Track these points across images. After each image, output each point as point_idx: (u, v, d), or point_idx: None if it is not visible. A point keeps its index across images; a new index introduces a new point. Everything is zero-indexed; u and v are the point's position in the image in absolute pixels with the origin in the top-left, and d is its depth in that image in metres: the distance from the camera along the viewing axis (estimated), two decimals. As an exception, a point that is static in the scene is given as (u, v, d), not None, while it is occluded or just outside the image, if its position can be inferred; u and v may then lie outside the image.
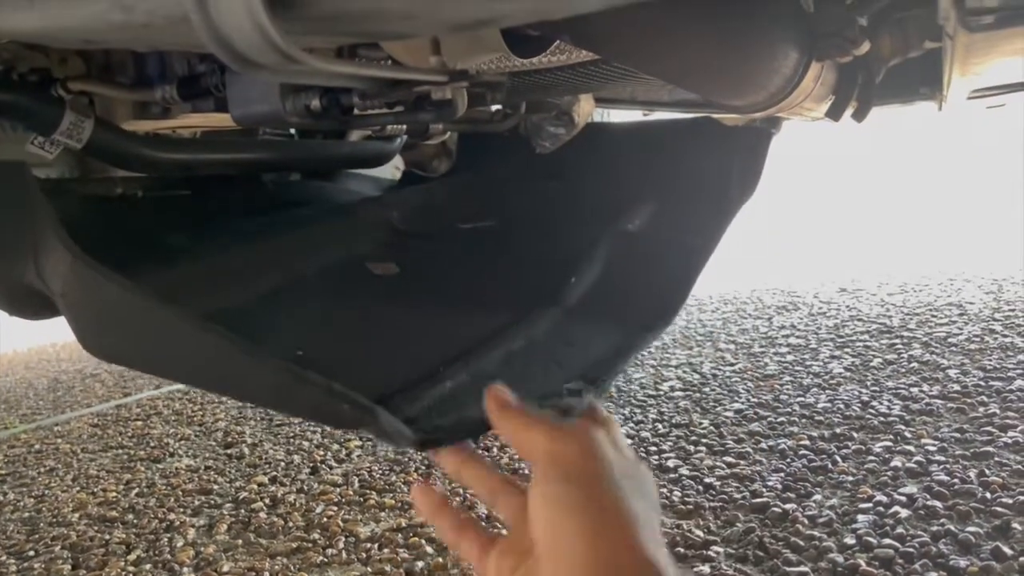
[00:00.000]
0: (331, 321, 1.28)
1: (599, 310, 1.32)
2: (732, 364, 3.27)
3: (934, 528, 1.75)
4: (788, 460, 2.21)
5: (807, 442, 2.32)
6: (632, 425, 2.65)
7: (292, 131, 2.28)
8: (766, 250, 6.37)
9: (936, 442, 2.22)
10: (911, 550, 1.67)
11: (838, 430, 2.38)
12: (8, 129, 1.69)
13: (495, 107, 2.13)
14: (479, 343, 1.11)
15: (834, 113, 1.24)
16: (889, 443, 2.24)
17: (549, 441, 0.61)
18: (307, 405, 0.77)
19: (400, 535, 2.06)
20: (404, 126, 1.76)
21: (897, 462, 2.10)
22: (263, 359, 0.77)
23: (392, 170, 2.44)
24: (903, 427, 2.36)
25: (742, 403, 2.75)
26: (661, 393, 2.97)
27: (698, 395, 2.91)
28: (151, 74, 1.58)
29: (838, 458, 2.18)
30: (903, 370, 2.92)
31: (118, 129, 1.47)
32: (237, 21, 0.48)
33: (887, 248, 5.96)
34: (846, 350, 3.28)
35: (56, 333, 5.96)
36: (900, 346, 3.24)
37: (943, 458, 2.11)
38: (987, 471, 1.99)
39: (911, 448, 2.20)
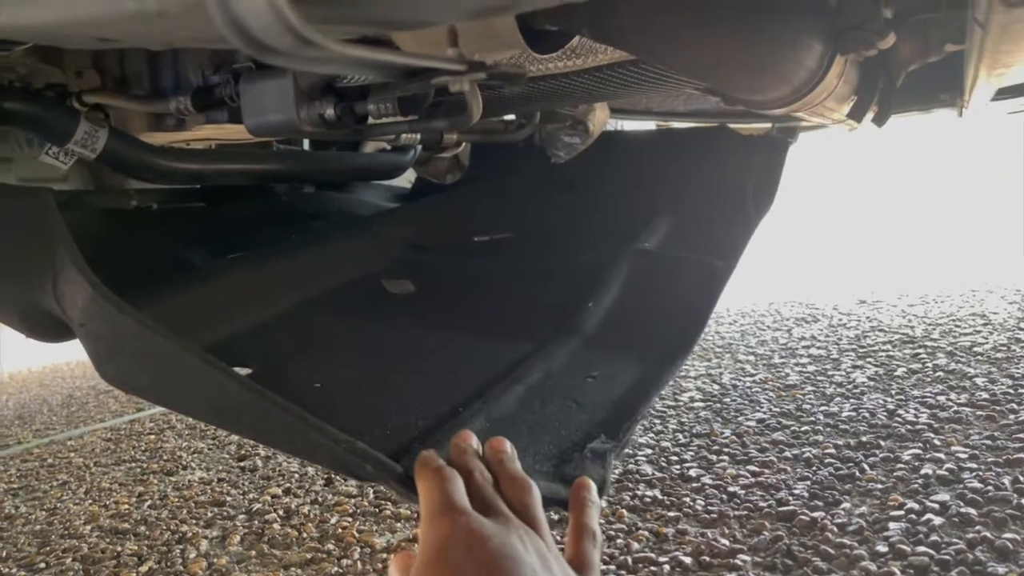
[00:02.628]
0: (348, 349, 1.26)
1: (618, 338, 1.29)
2: (752, 375, 3.23)
3: (969, 535, 1.70)
4: (814, 469, 2.17)
5: (832, 451, 2.27)
6: (652, 435, 2.61)
7: (305, 142, 2.29)
8: (784, 261, 6.32)
9: (967, 449, 2.17)
10: (947, 557, 1.62)
11: (864, 439, 2.34)
12: (24, 145, 1.70)
13: (509, 117, 2.12)
14: (497, 377, 1.08)
15: (856, 113, 1.21)
16: (918, 451, 2.20)
17: (444, 528, 0.59)
18: (328, 458, 0.75)
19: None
20: (418, 135, 1.75)
21: (927, 470, 2.06)
22: (283, 409, 0.76)
23: (403, 179, 2.44)
24: (932, 435, 2.31)
25: (764, 413, 2.71)
26: (681, 404, 2.94)
27: (719, 405, 2.87)
28: (165, 85, 1.58)
29: (866, 466, 2.14)
30: (928, 379, 2.86)
31: (132, 139, 1.47)
32: (253, 3, 0.46)
33: (906, 259, 5.90)
34: (868, 360, 3.23)
35: (71, 353, 5.99)
36: (924, 356, 3.19)
37: (975, 465, 2.06)
38: (1021, 478, 1.94)
39: (941, 456, 2.15)
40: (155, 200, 1.68)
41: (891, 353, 3.29)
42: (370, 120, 1.42)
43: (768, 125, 2.28)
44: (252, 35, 0.49)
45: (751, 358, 3.52)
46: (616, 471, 2.33)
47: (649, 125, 2.65)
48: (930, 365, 3.03)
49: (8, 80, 1.38)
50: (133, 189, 1.69)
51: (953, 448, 2.19)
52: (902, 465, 2.12)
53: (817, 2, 0.83)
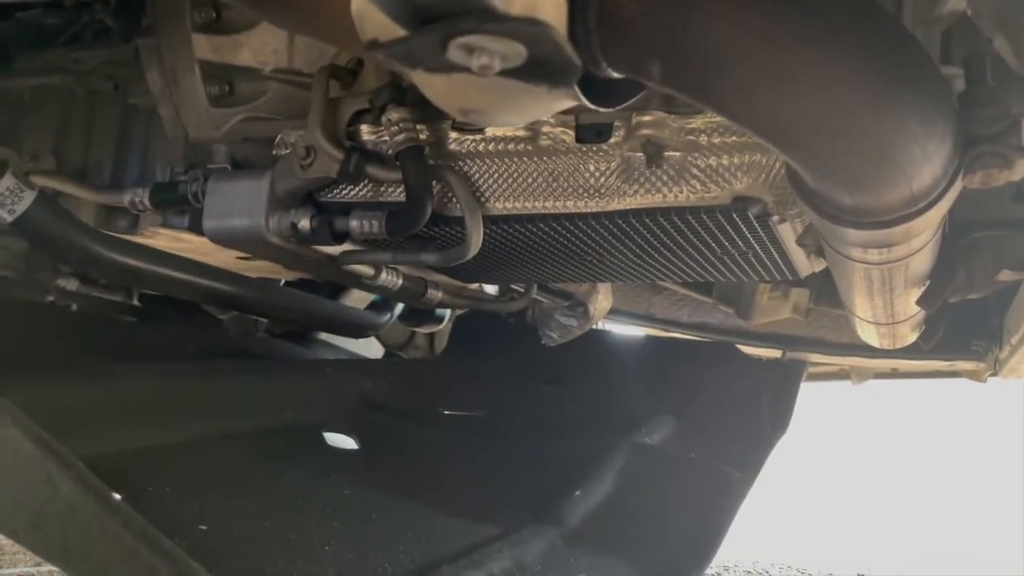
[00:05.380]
0: (260, 496, 0.97)
1: (609, 538, 1.03)
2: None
3: None
4: None
5: None
6: None
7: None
8: (777, 513, 5.87)
9: None
10: None
11: None
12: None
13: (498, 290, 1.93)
14: (450, 556, 0.82)
15: (927, 300, 1.01)
16: None
17: None
18: None
19: None
20: (399, 279, 1.52)
21: None
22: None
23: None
24: None
25: None
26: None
27: None
28: (127, 179, 1.40)
29: None
30: None
31: (61, 209, 1.24)
32: None
33: (914, 528, 5.46)
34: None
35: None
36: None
37: None
38: None
39: None
40: (75, 300, 1.42)
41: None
42: (351, 238, 1.23)
43: (778, 352, 2.10)
44: None
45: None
46: None
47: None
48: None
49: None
50: (53, 284, 1.43)
51: None
52: None
53: (948, 91, 0.65)
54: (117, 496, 0.79)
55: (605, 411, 1.64)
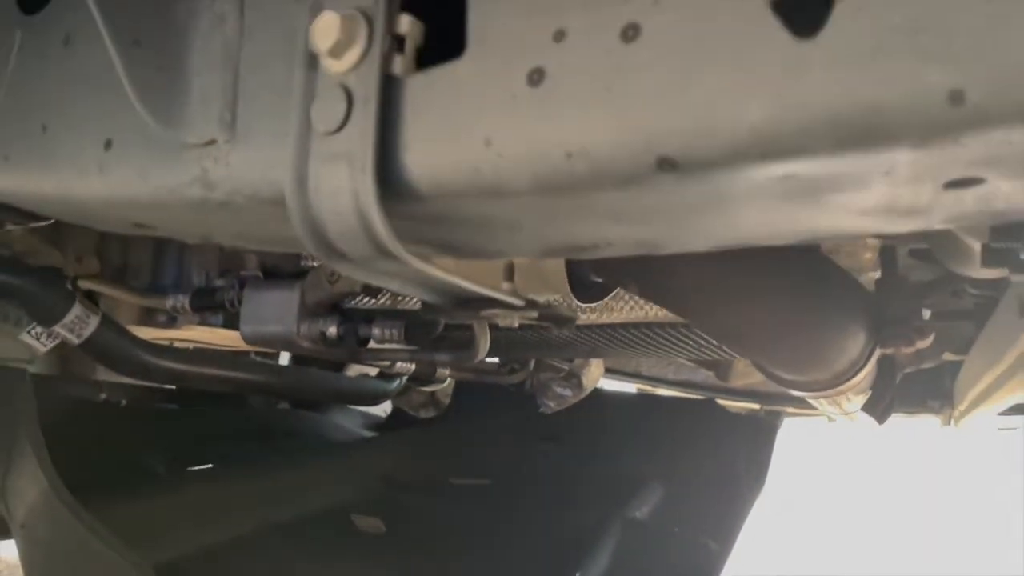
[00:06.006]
0: None
1: None
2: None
3: None
4: None
5: None
6: None
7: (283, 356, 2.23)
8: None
9: None
10: None
11: None
12: (6, 318, 1.62)
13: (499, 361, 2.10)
14: None
15: (872, 408, 1.19)
16: None
17: None
18: None
19: None
20: (412, 366, 1.70)
21: None
22: None
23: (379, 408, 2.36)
24: None
25: None
26: None
27: None
28: (166, 281, 1.55)
29: None
30: None
31: (121, 329, 1.40)
32: (338, 206, 0.43)
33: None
34: None
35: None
36: None
37: None
38: None
39: None
40: (125, 395, 1.58)
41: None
42: (372, 343, 1.39)
43: (756, 406, 2.27)
44: (326, 239, 0.45)
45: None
46: None
47: (631, 388, 2.64)
48: None
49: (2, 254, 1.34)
50: (104, 381, 1.59)
51: None
52: None
53: (864, 295, 0.83)
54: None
55: (599, 474, 1.81)
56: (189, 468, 1.33)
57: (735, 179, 0.37)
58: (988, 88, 0.28)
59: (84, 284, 1.47)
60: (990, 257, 0.62)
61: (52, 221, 0.86)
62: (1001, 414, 1.84)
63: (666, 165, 0.36)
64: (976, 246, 0.73)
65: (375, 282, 0.50)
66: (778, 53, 0.32)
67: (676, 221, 0.44)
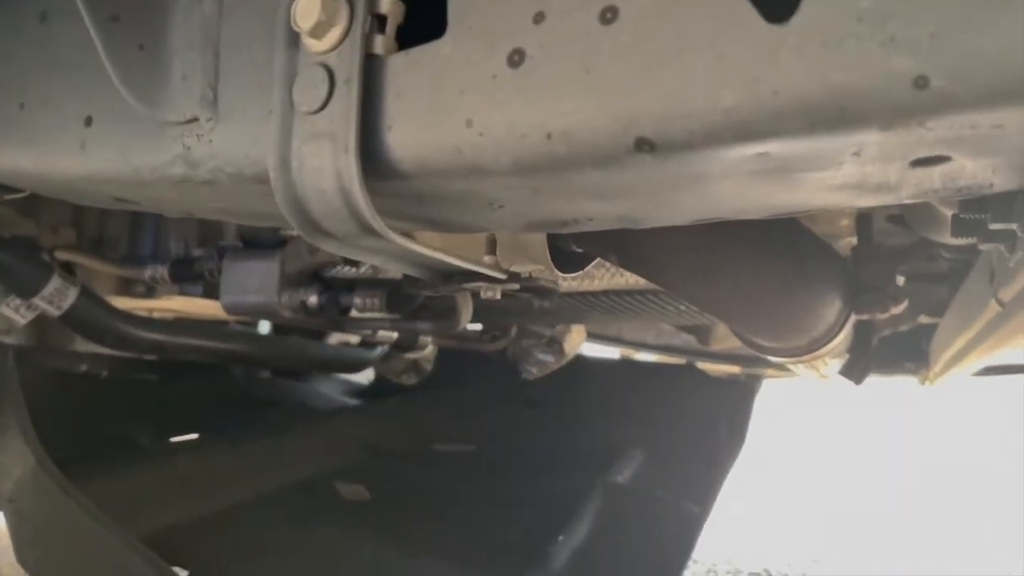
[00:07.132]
0: (296, 559, 1.16)
1: None
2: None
3: None
4: None
5: None
6: None
7: (264, 325, 2.23)
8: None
9: None
10: None
11: None
12: (-20, 291, 1.61)
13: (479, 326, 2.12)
14: None
15: (849, 371, 1.22)
16: None
17: None
18: None
19: None
20: (395, 334, 1.72)
21: None
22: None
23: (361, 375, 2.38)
24: None
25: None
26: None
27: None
28: (143, 252, 1.54)
29: None
30: None
31: (101, 301, 1.40)
32: (321, 184, 0.43)
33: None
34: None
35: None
36: None
37: None
38: None
39: None
40: (107, 367, 1.58)
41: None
42: (353, 312, 1.40)
43: (737, 369, 2.31)
44: (310, 216, 0.46)
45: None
46: None
47: (613, 354, 2.67)
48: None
49: (-25, 226, 1.32)
50: (84, 352, 1.59)
51: None
52: None
53: (839, 262, 0.85)
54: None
55: (580, 440, 1.84)
56: (172, 439, 1.33)
57: (711, 159, 0.38)
58: (951, 74, 0.30)
59: (61, 255, 1.46)
60: (960, 227, 0.64)
61: (27, 193, 0.85)
62: (974, 375, 1.90)
63: (644, 146, 0.37)
64: (948, 214, 0.75)
65: (359, 258, 0.51)
66: (751, 37, 0.33)
67: (654, 198, 0.45)
